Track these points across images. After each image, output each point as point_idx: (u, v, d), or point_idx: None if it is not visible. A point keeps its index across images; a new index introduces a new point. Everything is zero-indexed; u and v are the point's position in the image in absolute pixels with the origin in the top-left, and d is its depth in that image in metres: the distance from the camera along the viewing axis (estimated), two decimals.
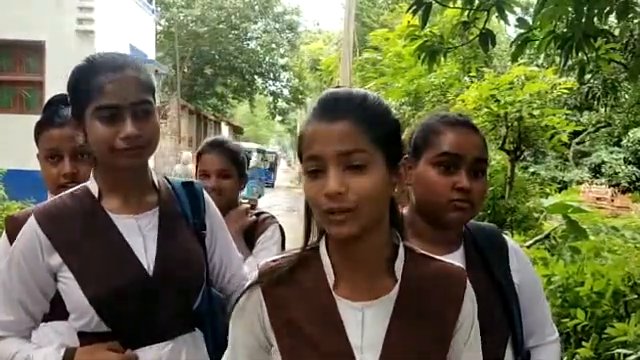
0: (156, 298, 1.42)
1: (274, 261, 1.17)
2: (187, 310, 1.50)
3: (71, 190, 1.49)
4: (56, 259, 1.40)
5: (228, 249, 1.65)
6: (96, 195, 1.46)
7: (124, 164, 1.40)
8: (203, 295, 1.53)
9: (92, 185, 1.47)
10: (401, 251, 1.13)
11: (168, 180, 1.58)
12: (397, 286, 1.11)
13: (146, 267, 1.43)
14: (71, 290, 1.39)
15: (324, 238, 1.14)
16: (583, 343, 2.85)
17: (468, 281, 1.15)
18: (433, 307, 1.12)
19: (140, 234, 1.45)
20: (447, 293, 1.13)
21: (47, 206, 1.47)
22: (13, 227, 1.80)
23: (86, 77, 1.38)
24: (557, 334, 1.58)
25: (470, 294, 1.15)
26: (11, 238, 1.80)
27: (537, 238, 5.54)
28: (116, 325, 1.40)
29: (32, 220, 1.42)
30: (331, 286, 1.11)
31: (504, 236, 1.57)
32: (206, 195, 1.62)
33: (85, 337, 1.41)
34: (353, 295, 1.11)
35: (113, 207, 1.46)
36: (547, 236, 5.56)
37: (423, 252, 1.17)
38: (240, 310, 1.16)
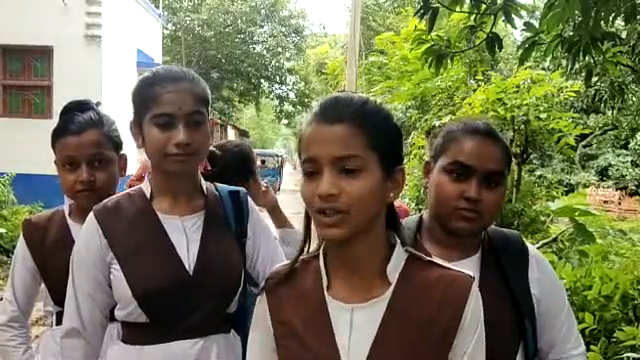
0: (192, 296, 1.50)
1: (283, 266, 1.20)
2: (221, 312, 1.57)
3: (128, 190, 1.61)
4: (109, 253, 1.52)
5: (272, 257, 1.69)
6: (148, 196, 1.57)
7: (173, 169, 1.50)
8: (240, 300, 1.60)
9: (146, 187, 1.59)
10: (398, 255, 1.12)
11: (216, 187, 1.66)
12: (391, 289, 1.10)
13: (187, 266, 1.51)
14: (118, 282, 1.50)
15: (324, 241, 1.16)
16: (592, 347, 2.84)
17: (474, 290, 1.10)
18: (428, 313, 1.08)
19: (184, 234, 1.54)
20: (446, 300, 1.09)
21: (105, 204, 1.58)
22: (30, 231, 1.85)
23: (147, 87, 1.48)
24: (583, 348, 1.51)
25: (475, 303, 1.10)
26: (28, 241, 1.84)
27: (544, 242, 5.52)
28: (154, 317, 1.50)
29: (92, 216, 1.55)
30: (324, 287, 1.13)
31: (527, 244, 1.52)
32: (251, 203, 1.69)
33: (126, 326, 1.53)
34: (345, 296, 1.11)
35: (162, 208, 1.56)
36: (554, 239, 5.53)
37: (431, 259, 1.15)
38: (254, 316, 1.21)
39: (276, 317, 1.16)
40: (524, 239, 1.54)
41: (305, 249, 1.19)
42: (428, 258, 1.15)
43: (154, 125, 1.47)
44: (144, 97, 1.49)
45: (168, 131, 1.46)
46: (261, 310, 1.19)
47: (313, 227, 1.14)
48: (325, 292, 1.13)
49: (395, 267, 1.11)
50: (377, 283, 1.11)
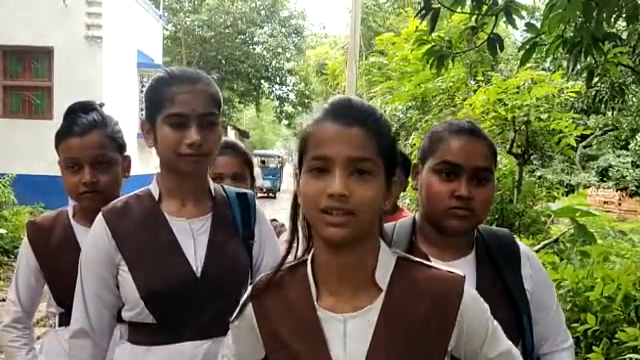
0: (200, 298, 1.51)
1: (267, 274, 1.19)
2: (228, 314, 1.55)
3: (136, 191, 1.61)
4: (118, 254, 1.52)
5: (275, 261, 1.67)
6: (156, 197, 1.57)
7: (186, 169, 1.50)
8: None
9: (154, 188, 1.59)
10: (386, 259, 1.12)
11: (224, 189, 1.67)
12: (382, 296, 1.10)
13: (194, 268, 1.52)
14: (126, 283, 1.51)
15: (311, 250, 1.15)
16: (594, 348, 2.84)
17: (468, 288, 1.12)
18: (421, 316, 1.09)
19: (192, 237, 1.54)
20: (438, 300, 1.09)
21: (113, 206, 1.58)
22: (34, 232, 1.85)
23: (163, 87, 1.49)
24: (571, 341, 1.56)
25: (471, 301, 1.11)
26: (32, 242, 1.84)
27: (546, 242, 5.53)
28: (161, 318, 1.51)
29: (100, 217, 1.56)
30: (314, 298, 1.11)
31: (517, 242, 1.55)
32: (258, 206, 1.70)
33: (133, 326, 1.54)
34: (336, 307, 1.10)
35: (170, 210, 1.56)
36: (556, 240, 5.54)
37: (420, 260, 1.16)
38: (238, 323, 1.19)
39: (264, 328, 1.15)
40: (514, 237, 1.57)
41: (292, 254, 1.18)
42: (416, 259, 1.16)
43: (167, 125, 1.48)
44: (159, 97, 1.49)
45: (181, 131, 1.47)
46: (249, 320, 1.17)
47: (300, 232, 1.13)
48: (315, 303, 1.11)
49: (384, 272, 1.11)
50: (367, 290, 1.11)
